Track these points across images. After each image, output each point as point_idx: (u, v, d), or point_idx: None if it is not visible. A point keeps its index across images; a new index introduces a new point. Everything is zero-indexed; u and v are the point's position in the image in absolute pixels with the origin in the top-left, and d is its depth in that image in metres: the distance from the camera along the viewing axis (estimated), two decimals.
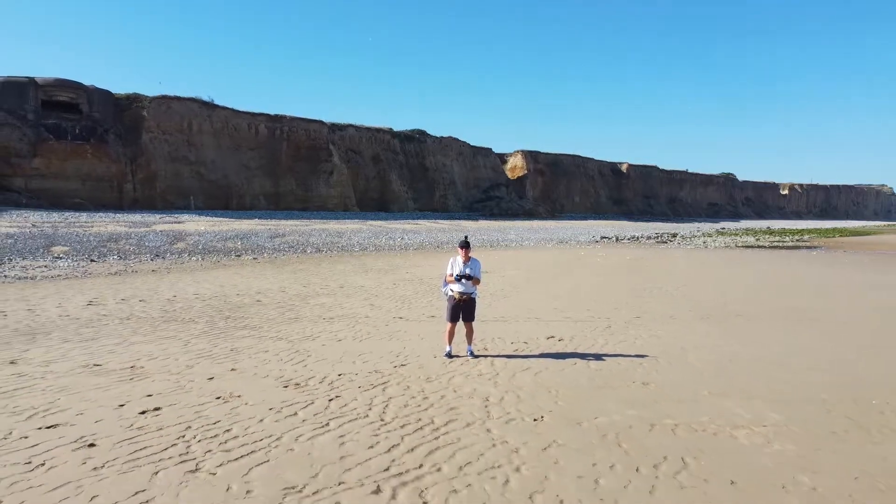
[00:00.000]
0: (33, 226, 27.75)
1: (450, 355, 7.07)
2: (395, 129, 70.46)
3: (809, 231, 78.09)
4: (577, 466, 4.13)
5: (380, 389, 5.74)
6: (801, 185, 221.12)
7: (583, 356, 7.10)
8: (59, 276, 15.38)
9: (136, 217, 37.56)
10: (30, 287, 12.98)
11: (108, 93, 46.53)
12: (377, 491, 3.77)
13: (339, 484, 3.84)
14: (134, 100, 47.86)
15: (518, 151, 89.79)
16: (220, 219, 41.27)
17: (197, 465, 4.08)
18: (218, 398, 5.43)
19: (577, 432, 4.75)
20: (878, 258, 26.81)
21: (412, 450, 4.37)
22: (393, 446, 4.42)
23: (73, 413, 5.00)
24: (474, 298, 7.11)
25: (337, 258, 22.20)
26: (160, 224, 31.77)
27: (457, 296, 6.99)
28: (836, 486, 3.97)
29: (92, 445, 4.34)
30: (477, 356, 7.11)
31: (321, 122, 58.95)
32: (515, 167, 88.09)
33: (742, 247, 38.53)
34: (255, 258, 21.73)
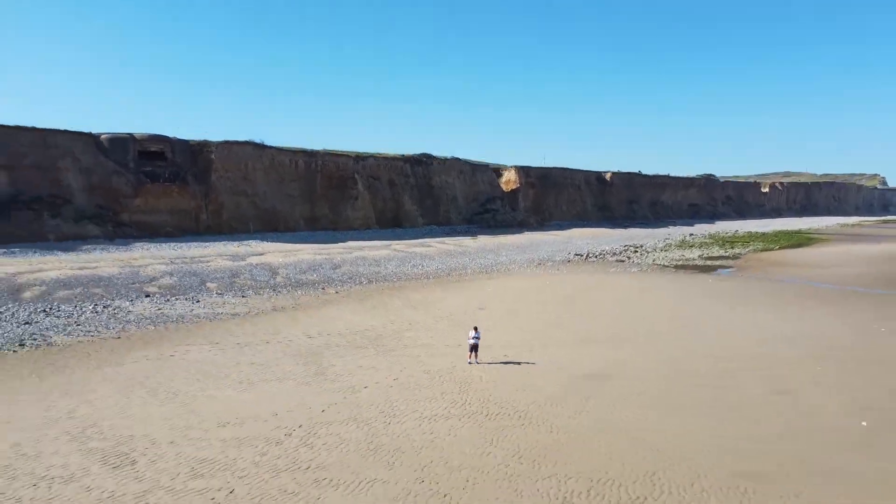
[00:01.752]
0: (171, 262, 40.31)
1: (469, 363, 19.58)
2: (405, 152, 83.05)
3: (757, 238, 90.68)
4: (509, 387, 16.58)
5: (449, 374, 18.19)
6: (781, 183, 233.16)
7: (516, 363, 19.58)
8: (246, 312, 27.92)
9: (220, 246, 50.21)
10: (251, 323, 25.50)
11: (185, 142, 58.96)
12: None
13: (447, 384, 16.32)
14: (204, 146, 60.24)
15: (512, 167, 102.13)
16: (280, 244, 53.90)
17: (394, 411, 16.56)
18: (396, 379, 17.91)
19: (508, 385, 17.23)
20: (757, 286, 39.35)
21: (462, 392, 16.85)
22: (468, 385, 16.89)
23: (370, 380, 17.49)
24: (478, 343, 19.61)
25: (388, 291, 34.77)
26: (251, 257, 44.31)
27: (472, 339, 19.52)
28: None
29: (391, 386, 16.84)
30: (479, 363, 19.60)
31: (348, 155, 71.38)
32: (509, 181, 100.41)
33: (676, 266, 50.79)
34: (336, 291, 34.36)
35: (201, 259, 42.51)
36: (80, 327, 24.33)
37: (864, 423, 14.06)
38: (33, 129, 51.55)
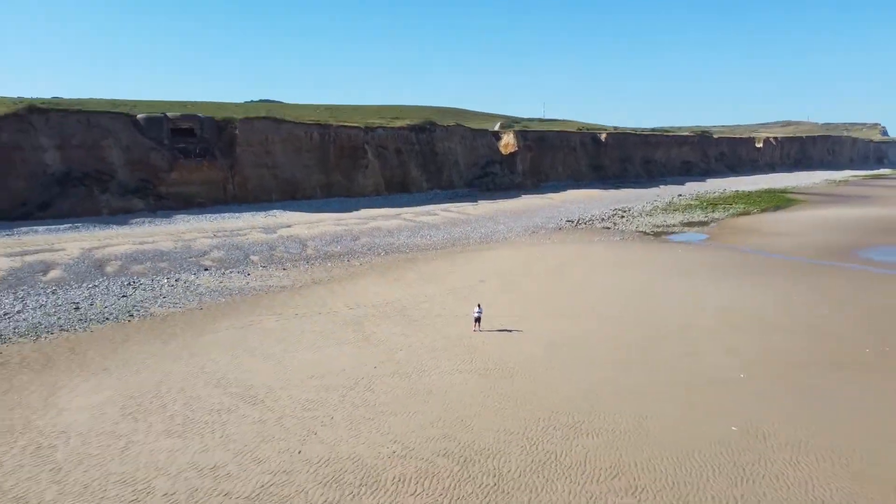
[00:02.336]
0: (214, 235, 46.75)
1: (474, 331, 26.22)
2: (412, 122, 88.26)
3: (740, 199, 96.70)
4: (502, 351, 23.28)
5: (459, 341, 24.85)
6: (775, 138, 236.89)
7: (508, 331, 26.23)
8: (291, 285, 34.51)
9: (250, 217, 56.55)
10: (300, 296, 32.11)
11: (212, 119, 64.48)
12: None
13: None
14: (228, 122, 65.77)
15: (510, 130, 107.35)
16: (301, 213, 60.23)
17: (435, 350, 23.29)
18: (422, 344, 24.61)
19: (502, 349, 23.94)
20: (718, 257, 45.86)
21: (469, 354, 23.56)
22: (475, 349, 23.58)
23: (404, 344, 24.18)
24: (480, 316, 26.21)
25: (403, 263, 41.31)
26: (281, 229, 50.71)
27: (476, 314, 26.13)
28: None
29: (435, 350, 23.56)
30: (481, 332, 26.27)
31: (358, 128, 76.86)
32: (508, 144, 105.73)
33: (656, 233, 57.13)
34: (360, 264, 40.96)
35: (238, 232, 48.95)
36: (166, 300, 31.00)
37: (742, 376, 20.88)
38: (79, 111, 57.22)
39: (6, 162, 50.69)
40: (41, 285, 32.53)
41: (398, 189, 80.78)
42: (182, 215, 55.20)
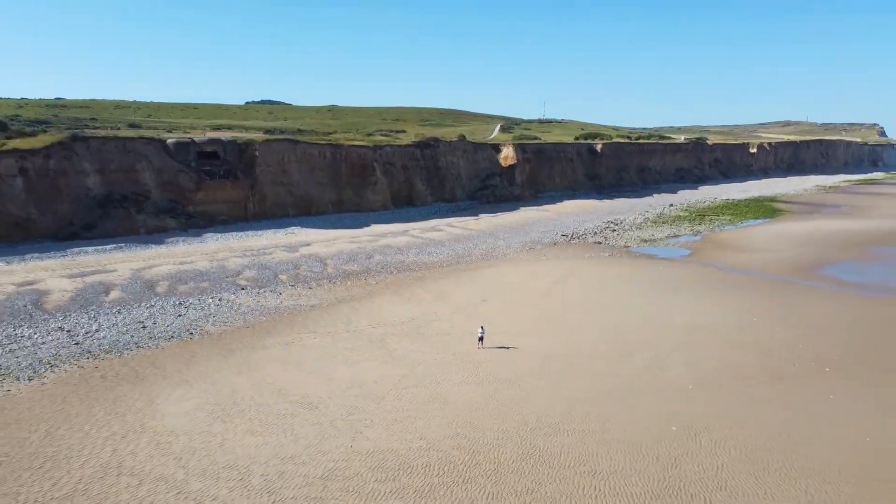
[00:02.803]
0: (243, 255, 52.23)
1: (478, 349, 31.67)
2: (417, 138, 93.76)
3: (729, 209, 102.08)
4: (500, 365, 28.76)
5: (466, 357, 30.30)
6: (769, 143, 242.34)
7: (506, 347, 31.69)
8: (318, 304, 39.97)
9: (271, 234, 62.09)
10: (328, 314, 37.57)
11: (235, 142, 70.00)
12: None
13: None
14: (249, 145, 71.26)
15: (510, 144, 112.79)
16: (317, 230, 65.74)
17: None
18: (435, 360, 30.10)
19: (500, 364, 29.42)
20: (693, 274, 51.30)
21: (475, 368, 29.04)
22: (479, 364, 29.04)
23: (421, 359, 29.65)
24: (483, 336, 31.66)
25: (414, 282, 46.73)
26: (301, 248, 56.19)
27: (480, 334, 31.60)
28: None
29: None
30: (484, 349, 31.72)
31: (367, 147, 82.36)
32: (507, 157, 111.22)
33: (644, 243, 62.38)
34: (376, 282, 46.42)
35: (264, 251, 54.48)
36: (216, 318, 36.52)
37: (690, 387, 26.39)
38: (115, 137, 62.69)
39: (54, 187, 56.23)
40: (107, 305, 38.06)
41: (404, 203, 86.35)
42: (210, 233, 60.75)
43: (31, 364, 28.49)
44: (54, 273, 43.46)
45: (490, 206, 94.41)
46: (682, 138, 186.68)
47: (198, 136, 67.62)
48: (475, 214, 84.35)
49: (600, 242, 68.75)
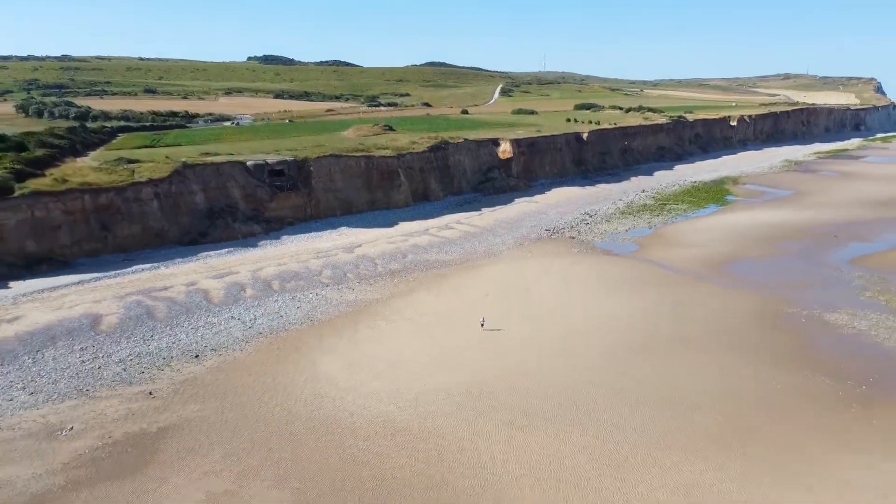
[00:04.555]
0: (317, 256, 74.38)
1: (482, 330, 54.06)
2: (432, 142, 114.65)
3: (689, 195, 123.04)
4: (495, 341, 51.20)
5: (478, 337, 52.68)
6: (749, 116, 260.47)
7: (498, 330, 54.07)
8: (380, 298, 62.31)
9: (326, 235, 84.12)
10: (390, 307, 59.93)
11: (296, 161, 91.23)
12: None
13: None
14: (305, 162, 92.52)
15: (507, 140, 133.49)
16: (359, 229, 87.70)
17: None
18: (465, 340, 52.62)
19: (495, 340, 51.93)
20: (629, 271, 73.42)
21: (482, 343, 51.56)
22: (482, 341, 51.52)
23: (457, 339, 52.16)
24: (484, 323, 54.05)
25: (438, 279, 68.94)
26: (355, 249, 78.19)
27: (482, 322, 54.01)
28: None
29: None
30: (485, 330, 54.09)
31: (393, 157, 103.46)
32: (505, 151, 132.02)
33: (605, 238, 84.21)
34: (413, 279, 68.66)
35: (329, 252, 76.61)
36: (319, 310, 58.88)
37: (597, 356, 49.06)
38: (212, 164, 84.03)
39: (175, 205, 78.04)
40: (249, 300, 60.48)
41: (421, 198, 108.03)
42: (285, 235, 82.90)
43: (234, 341, 51.13)
44: (202, 275, 65.78)
45: (490, 197, 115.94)
46: (663, 119, 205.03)
47: (269, 159, 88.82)
48: (478, 209, 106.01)
49: (573, 237, 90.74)
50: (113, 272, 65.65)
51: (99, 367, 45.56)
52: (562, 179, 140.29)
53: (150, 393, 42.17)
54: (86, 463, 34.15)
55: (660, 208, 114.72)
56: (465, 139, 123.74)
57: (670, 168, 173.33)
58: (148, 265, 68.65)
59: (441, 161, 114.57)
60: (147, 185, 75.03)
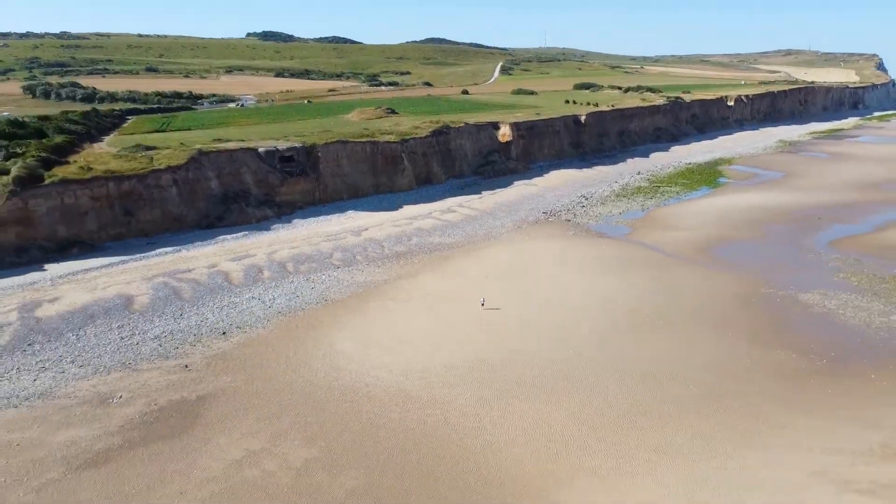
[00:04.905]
0: (327, 240, 79.03)
1: (482, 309, 58.97)
2: (434, 126, 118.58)
3: (683, 177, 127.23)
4: (493, 317, 56.14)
5: (478, 314, 57.57)
6: (747, 96, 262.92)
7: (496, 308, 58.93)
8: (387, 279, 67.17)
9: (335, 218, 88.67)
10: (396, 288, 64.79)
11: (304, 147, 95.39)
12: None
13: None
14: (313, 147, 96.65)
15: (507, 123, 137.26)
16: (366, 213, 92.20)
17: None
18: (468, 314, 57.58)
19: (492, 316, 56.88)
20: (621, 253, 78.12)
21: (481, 318, 56.50)
22: (482, 318, 56.45)
23: (462, 314, 57.12)
24: (484, 303, 58.99)
25: (443, 262, 73.69)
26: (363, 232, 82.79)
27: (482, 301, 58.92)
28: None
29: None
30: (485, 309, 59.01)
31: (397, 142, 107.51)
32: (505, 135, 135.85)
33: (599, 220, 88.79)
34: (417, 261, 73.41)
35: (338, 236, 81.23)
36: (332, 290, 63.72)
37: (586, 332, 54.00)
38: (225, 150, 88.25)
39: (192, 191, 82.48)
40: (267, 281, 65.28)
41: (424, 182, 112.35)
42: (296, 219, 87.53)
43: (256, 319, 56.05)
44: (222, 258, 70.54)
45: (490, 180, 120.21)
46: (661, 101, 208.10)
47: (280, 145, 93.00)
48: (479, 192, 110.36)
49: (569, 220, 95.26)
50: (138, 255, 70.42)
51: (137, 343, 50.53)
52: (560, 162, 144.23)
53: (186, 366, 47.19)
54: (138, 426, 39.25)
55: (653, 191, 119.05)
56: (466, 123, 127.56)
57: (666, 149, 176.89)
58: (170, 248, 73.37)
59: (443, 145, 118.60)
60: (166, 172, 79.40)
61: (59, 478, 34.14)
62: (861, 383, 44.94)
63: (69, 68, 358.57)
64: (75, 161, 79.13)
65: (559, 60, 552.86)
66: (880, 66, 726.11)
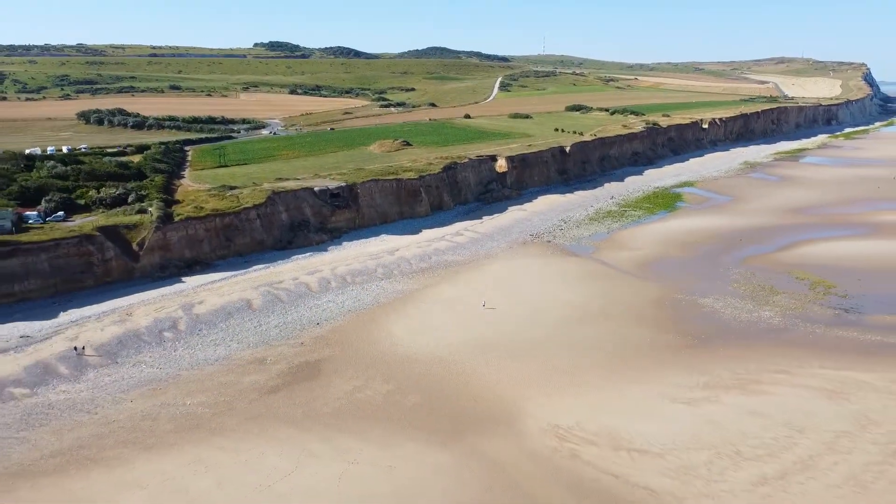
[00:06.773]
0: (370, 259, 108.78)
1: (483, 309, 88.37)
2: (445, 162, 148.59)
3: (648, 201, 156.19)
4: (491, 314, 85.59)
5: (482, 312, 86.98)
6: (720, 119, 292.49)
7: (492, 308, 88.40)
8: (417, 289, 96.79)
9: (372, 241, 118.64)
10: (424, 295, 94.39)
11: (348, 185, 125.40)
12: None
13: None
14: (354, 185, 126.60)
15: (503, 156, 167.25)
16: (395, 236, 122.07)
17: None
18: (478, 312, 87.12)
19: (490, 314, 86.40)
20: (583, 269, 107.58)
21: (483, 314, 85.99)
22: (482, 316, 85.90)
23: (473, 312, 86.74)
24: (485, 304, 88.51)
25: (454, 276, 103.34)
26: (396, 252, 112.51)
27: (483, 303, 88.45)
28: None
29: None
30: (484, 309, 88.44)
31: (416, 178, 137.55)
32: (501, 166, 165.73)
33: (573, 241, 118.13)
34: (436, 275, 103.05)
35: (378, 256, 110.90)
36: (382, 296, 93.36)
37: (552, 323, 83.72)
38: (291, 190, 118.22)
39: (270, 222, 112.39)
40: (335, 290, 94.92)
41: (437, 208, 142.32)
42: (344, 241, 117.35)
43: (336, 315, 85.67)
44: (300, 273, 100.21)
45: (489, 207, 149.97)
46: (640, 126, 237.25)
47: (329, 185, 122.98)
48: (480, 217, 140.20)
49: (549, 241, 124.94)
50: (241, 270, 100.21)
51: (265, 330, 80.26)
52: (547, 187, 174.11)
53: (302, 343, 76.89)
54: (287, 374, 68.97)
55: (620, 215, 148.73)
56: (470, 158, 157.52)
57: (640, 173, 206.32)
58: (260, 265, 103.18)
59: (451, 178, 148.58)
60: (252, 208, 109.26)
61: (256, 398, 63.93)
62: (710, 351, 74.78)
63: (98, 86, 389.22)
64: (184, 201, 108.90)
65: (555, 75, 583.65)
66: (867, 77, 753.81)
